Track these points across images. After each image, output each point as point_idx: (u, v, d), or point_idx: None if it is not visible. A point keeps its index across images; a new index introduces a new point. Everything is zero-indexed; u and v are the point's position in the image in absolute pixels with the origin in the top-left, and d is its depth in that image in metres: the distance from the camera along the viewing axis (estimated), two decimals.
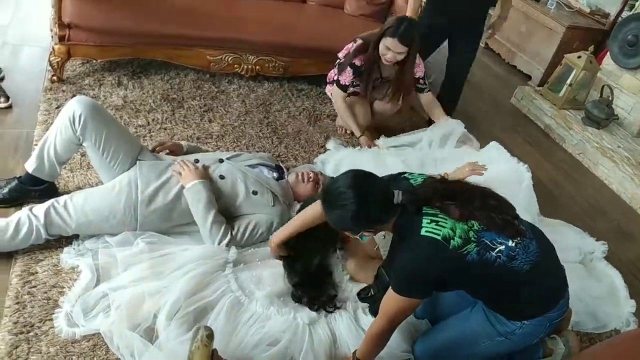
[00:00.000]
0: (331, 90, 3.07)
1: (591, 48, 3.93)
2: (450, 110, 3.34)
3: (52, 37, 2.98)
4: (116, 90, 2.97)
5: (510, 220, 1.46)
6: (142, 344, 1.61)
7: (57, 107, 2.67)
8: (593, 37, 4.41)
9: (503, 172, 2.39)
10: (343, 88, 2.89)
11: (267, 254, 2.03)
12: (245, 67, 3.28)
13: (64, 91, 2.85)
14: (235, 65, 3.26)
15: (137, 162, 2.03)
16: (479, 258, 1.41)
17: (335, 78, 2.97)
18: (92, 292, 1.76)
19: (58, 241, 1.94)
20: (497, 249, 1.42)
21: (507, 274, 1.46)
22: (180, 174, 2.01)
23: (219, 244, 1.96)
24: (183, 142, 2.37)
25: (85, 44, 2.89)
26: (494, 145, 2.74)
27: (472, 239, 1.41)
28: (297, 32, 3.27)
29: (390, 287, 1.48)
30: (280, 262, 2.00)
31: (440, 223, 1.40)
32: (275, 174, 2.28)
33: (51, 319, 1.69)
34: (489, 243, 1.42)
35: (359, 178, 1.49)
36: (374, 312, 1.78)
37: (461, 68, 3.44)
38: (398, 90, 2.96)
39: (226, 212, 2.06)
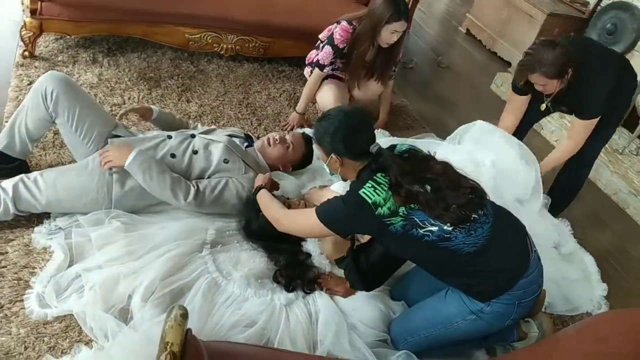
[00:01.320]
0: (309, 72, 3.02)
1: (571, 35, 3.96)
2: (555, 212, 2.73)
3: (23, 10, 2.88)
4: (91, 68, 2.89)
5: (455, 209, 1.48)
6: (116, 325, 1.59)
7: (28, 84, 2.58)
8: (573, 25, 4.45)
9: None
10: (320, 67, 2.84)
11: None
12: (225, 46, 3.22)
13: (36, 67, 2.77)
14: (215, 45, 3.20)
15: (109, 139, 1.98)
16: (403, 232, 1.48)
17: (315, 58, 2.93)
18: (65, 272, 1.73)
19: (29, 221, 1.89)
20: (427, 229, 1.48)
21: (441, 252, 1.51)
22: (107, 162, 1.89)
23: (186, 200, 1.93)
24: (153, 107, 2.29)
25: (58, 19, 2.80)
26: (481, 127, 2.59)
27: (401, 213, 1.47)
28: (278, 11, 3.21)
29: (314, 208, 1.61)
30: (257, 245, 1.98)
31: (377, 190, 1.48)
32: (245, 143, 2.27)
33: (22, 300, 1.65)
34: (418, 221, 1.48)
35: (358, 113, 1.68)
36: (350, 283, 1.83)
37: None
38: (388, 68, 2.92)
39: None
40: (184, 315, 0.97)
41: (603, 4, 4.20)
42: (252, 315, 1.75)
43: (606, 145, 3.47)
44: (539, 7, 4.47)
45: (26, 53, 2.80)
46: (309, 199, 2.13)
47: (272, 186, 2.05)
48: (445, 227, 1.48)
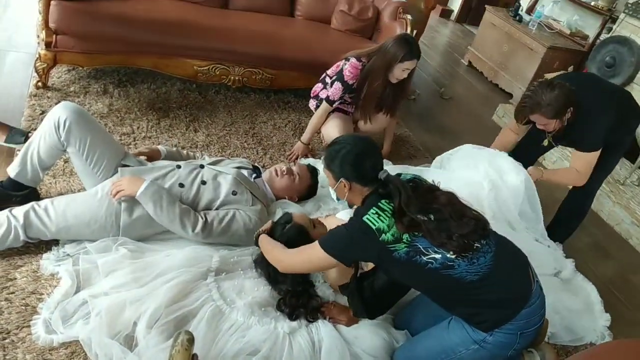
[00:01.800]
0: (315, 105, 3.09)
1: (571, 68, 4.04)
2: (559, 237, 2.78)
3: (38, 43, 2.98)
4: (102, 98, 2.97)
5: (457, 238, 1.50)
6: (121, 352, 1.59)
7: (41, 113, 2.66)
8: (573, 58, 4.55)
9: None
10: (330, 102, 2.90)
11: (249, 264, 2.03)
12: (232, 78, 3.31)
13: (48, 97, 2.85)
14: (223, 76, 3.29)
15: (120, 168, 2.03)
16: (407, 258, 1.50)
17: (322, 94, 3.00)
18: (72, 299, 1.75)
19: (38, 247, 1.92)
20: (430, 256, 1.50)
21: (444, 280, 1.52)
22: (118, 191, 1.92)
23: (194, 231, 1.97)
24: (160, 147, 2.35)
25: (72, 51, 2.89)
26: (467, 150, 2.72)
27: (405, 240, 1.50)
28: (285, 45, 3.30)
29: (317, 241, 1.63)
30: (261, 272, 2.00)
31: (381, 217, 1.51)
32: (253, 175, 2.33)
33: (29, 326, 1.66)
34: (422, 249, 1.50)
35: (367, 141, 1.72)
36: (354, 311, 1.85)
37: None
38: (397, 102, 2.99)
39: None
40: (190, 340, 0.99)
41: (602, 37, 4.29)
42: (256, 343, 1.76)
43: (608, 176, 3.52)
44: (539, 41, 4.57)
45: (39, 84, 2.88)
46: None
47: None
48: (448, 255, 1.49)
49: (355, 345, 1.83)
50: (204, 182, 2.11)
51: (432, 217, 1.52)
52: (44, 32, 2.80)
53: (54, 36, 2.82)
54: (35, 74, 2.89)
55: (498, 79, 5.08)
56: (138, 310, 1.71)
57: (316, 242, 1.62)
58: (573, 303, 2.32)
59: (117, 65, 3.20)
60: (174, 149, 2.43)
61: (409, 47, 2.68)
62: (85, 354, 1.62)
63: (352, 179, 1.64)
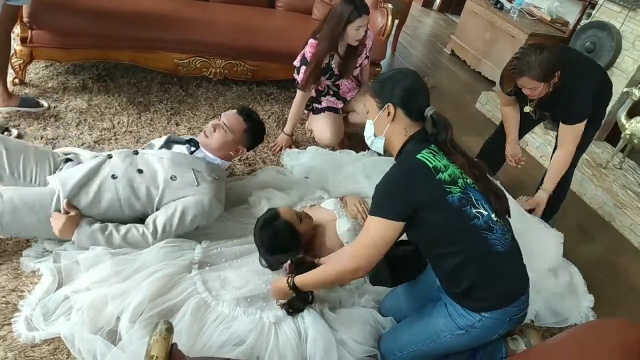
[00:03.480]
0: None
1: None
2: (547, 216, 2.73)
3: (14, 38, 2.92)
4: (81, 94, 2.93)
5: (497, 199, 1.51)
6: (104, 346, 1.58)
7: (17, 111, 2.61)
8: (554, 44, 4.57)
9: None
10: (302, 88, 2.86)
11: (233, 255, 2.02)
12: (214, 70, 3.28)
13: (26, 94, 2.80)
14: (204, 69, 3.26)
15: (49, 177, 1.97)
16: (459, 204, 1.45)
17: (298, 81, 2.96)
18: (53, 295, 1.73)
19: (17, 244, 1.90)
20: (479, 210, 1.48)
21: (480, 242, 1.48)
22: (55, 231, 1.84)
23: (150, 243, 1.90)
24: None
25: (48, 46, 2.85)
26: None
27: (460, 184, 1.47)
28: (266, 36, 3.28)
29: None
30: (246, 263, 1.99)
31: (437, 157, 1.47)
32: (192, 148, 2.16)
33: (10, 324, 1.65)
34: (473, 199, 1.48)
35: (422, 80, 1.62)
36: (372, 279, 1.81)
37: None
38: (352, 64, 2.91)
39: (150, 207, 1.98)
40: (169, 329, 0.98)
41: (582, 23, 4.32)
42: (241, 334, 1.75)
43: (590, 160, 3.56)
44: (520, 28, 4.59)
45: (16, 80, 2.84)
46: None
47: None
48: (492, 216, 1.49)
49: (341, 332, 1.83)
50: (140, 171, 1.98)
51: (477, 172, 1.53)
52: (19, 27, 2.75)
53: (29, 31, 2.78)
54: (12, 71, 2.83)
55: (481, 66, 5.10)
56: (121, 304, 1.70)
57: (369, 216, 1.51)
58: (557, 285, 2.35)
59: (95, 60, 3.15)
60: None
61: (353, 4, 2.62)
62: (68, 350, 1.61)
63: (400, 107, 1.53)
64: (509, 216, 1.61)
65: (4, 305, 1.70)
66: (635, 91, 3.34)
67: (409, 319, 1.81)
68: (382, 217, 1.47)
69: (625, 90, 3.47)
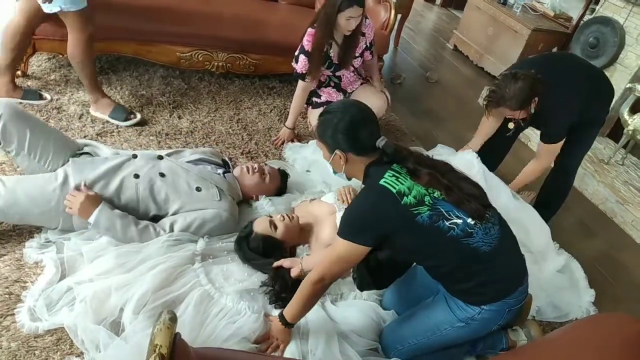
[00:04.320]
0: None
1: (555, 50, 4.04)
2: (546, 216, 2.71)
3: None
4: (83, 87, 2.90)
5: (473, 202, 1.49)
6: (107, 337, 1.59)
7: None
8: (557, 40, 4.56)
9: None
10: (301, 77, 2.87)
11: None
12: (216, 64, 3.27)
13: (29, 86, 2.80)
14: (206, 63, 3.25)
15: (71, 159, 1.98)
16: (430, 222, 1.43)
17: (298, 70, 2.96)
18: (56, 286, 1.74)
19: (21, 235, 1.90)
20: (452, 221, 1.45)
21: (462, 250, 1.48)
22: (70, 208, 1.86)
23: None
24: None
25: (51, 39, 2.84)
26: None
27: (427, 203, 1.44)
28: (269, 29, 3.27)
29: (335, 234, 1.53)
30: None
31: (400, 179, 1.45)
32: (220, 170, 2.25)
33: (13, 314, 1.65)
34: (444, 212, 1.45)
35: (361, 107, 1.59)
36: (359, 286, 1.82)
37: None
38: (349, 53, 2.90)
39: (171, 211, 2.01)
40: (173, 319, 0.99)
41: (585, 18, 4.31)
42: (247, 331, 1.75)
43: (592, 156, 3.56)
44: (523, 23, 4.57)
45: (19, 72, 2.83)
46: (298, 212, 2.16)
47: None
48: (468, 221, 1.46)
49: (342, 325, 1.84)
50: (162, 175, 2.03)
51: (447, 178, 1.50)
52: None
53: None
54: None
55: (483, 62, 5.08)
56: (124, 296, 1.71)
57: (336, 236, 1.52)
58: (558, 280, 2.35)
59: (98, 53, 3.13)
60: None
61: None
62: (71, 341, 1.61)
63: (347, 150, 1.53)
64: (490, 208, 1.57)
65: (7, 296, 1.71)
66: (639, 87, 3.32)
67: (410, 312, 1.81)
68: (349, 241, 1.49)
69: (628, 86, 3.46)
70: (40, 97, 2.71)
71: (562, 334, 1.54)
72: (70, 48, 2.51)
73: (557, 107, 2.32)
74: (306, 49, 2.77)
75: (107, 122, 2.69)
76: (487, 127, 2.76)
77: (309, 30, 2.77)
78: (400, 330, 1.79)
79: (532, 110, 2.29)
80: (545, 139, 2.47)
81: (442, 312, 1.65)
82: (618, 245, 3.03)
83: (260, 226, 2.01)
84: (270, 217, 2.06)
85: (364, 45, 2.92)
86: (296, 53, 2.86)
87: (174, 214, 2.01)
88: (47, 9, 2.31)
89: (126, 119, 2.72)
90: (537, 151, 2.58)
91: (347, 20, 2.66)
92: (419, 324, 1.72)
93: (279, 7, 3.69)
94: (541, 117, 2.33)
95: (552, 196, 2.77)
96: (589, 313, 2.31)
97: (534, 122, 2.44)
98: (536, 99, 2.24)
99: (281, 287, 1.87)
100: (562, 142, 2.45)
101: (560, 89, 2.29)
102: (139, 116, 2.76)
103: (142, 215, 1.99)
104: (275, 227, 1.99)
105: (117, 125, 2.68)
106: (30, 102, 2.66)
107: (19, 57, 2.65)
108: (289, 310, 1.67)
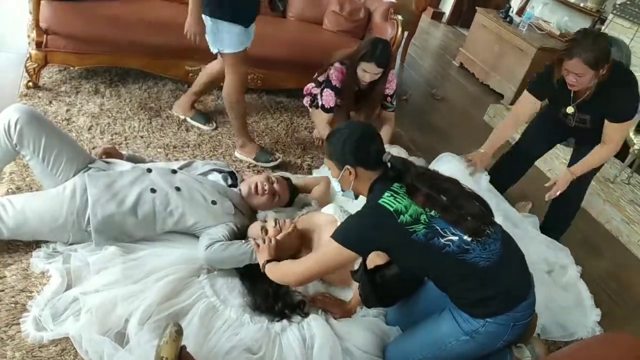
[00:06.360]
0: (309, 101, 3.13)
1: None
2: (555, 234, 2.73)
3: (29, 43, 2.97)
4: (93, 98, 2.96)
5: (471, 221, 1.51)
6: (112, 348, 1.59)
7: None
8: None
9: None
10: (328, 111, 2.94)
11: None
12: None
13: (39, 97, 2.84)
14: None
15: (87, 173, 1.96)
16: (425, 239, 1.48)
17: (314, 91, 3.02)
18: (62, 296, 1.74)
19: (28, 245, 1.91)
20: (448, 238, 1.49)
21: (459, 265, 1.51)
22: (258, 245, 1.91)
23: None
24: (124, 152, 2.34)
25: (62, 51, 2.89)
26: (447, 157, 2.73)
27: (422, 221, 1.48)
28: (277, 45, 3.31)
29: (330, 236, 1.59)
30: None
31: (397, 199, 1.50)
32: (229, 181, 2.26)
33: (18, 324, 1.65)
34: (439, 230, 1.49)
35: (365, 125, 1.72)
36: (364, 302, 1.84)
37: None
38: (368, 105, 3.01)
39: (186, 226, 2.01)
40: (179, 331, 1.00)
41: None
42: (249, 342, 1.75)
43: (597, 175, 3.54)
44: (529, 42, 4.61)
45: (30, 84, 2.87)
46: (301, 221, 2.16)
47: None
48: (464, 238, 1.49)
49: (347, 341, 1.84)
50: (178, 189, 2.03)
51: (443, 198, 1.53)
52: (34, 31, 2.79)
53: (45, 36, 2.82)
54: (26, 74, 2.88)
55: (489, 79, 5.11)
56: (130, 307, 1.71)
57: (330, 238, 1.58)
58: (564, 299, 2.34)
59: (108, 65, 3.19)
60: (138, 154, 2.41)
61: (372, 49, 2.68)
62: (76, 351, 1.61)
63: (357, 165, 1.60)
64: (492, 225, 1.59)
65: (12, 305, 1.71)
66: None
67: (414, 326, 1.80)
68: (342, 245, 1.54)
69: None
70: (207, 122, 2.99)
71: (567, 353, 1.54)
72: (226, 88, 2.64)
73: (627, 80, 2.22)
74: (334, 84, 2.84)
75: (115, 134, 2.71)
76: (524, 106, 2.52)
77: (337, 65, 2.84)
78: (405, 345, 1.78)
79: (597, 80, 2.15)
80: (619, 115, 2.27)
81: (447, 324, 1.65)
82: (623, 265, 3.01)
83: (252, 231, 2.06)
84: (264, 221, 2.08)
85: (384, 93, 2.99)
86: (320, 79, 2.95)
87: (191, 228, 2.03)
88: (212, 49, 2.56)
89: (268, 161, 2.81)
90: (605, 134, 2.34)
91: (363, 72, 2.75)
92: (424, 337, 1.72)
93: (287, 23, 3.73)
94: (606, 93, 2.20)
95: (565, 209, 2.74)
96: (595, 333, 2.30)
97: (595, 103, 2.26)
98: (608, 65, 2.09)
99: (262, 299, 1.89)
100: (631, 123, 2.26)
101: (625, 70, 2.26)
102: (279, 157, 2.85)
103: (159, 230, 2.00)
104: (267, 233, 2.00)
105: (125, 138, 2.70)
106: (197, 124, 2.96)
107: (204, 92, 3.03)
108: (272, 270, 1.78)
